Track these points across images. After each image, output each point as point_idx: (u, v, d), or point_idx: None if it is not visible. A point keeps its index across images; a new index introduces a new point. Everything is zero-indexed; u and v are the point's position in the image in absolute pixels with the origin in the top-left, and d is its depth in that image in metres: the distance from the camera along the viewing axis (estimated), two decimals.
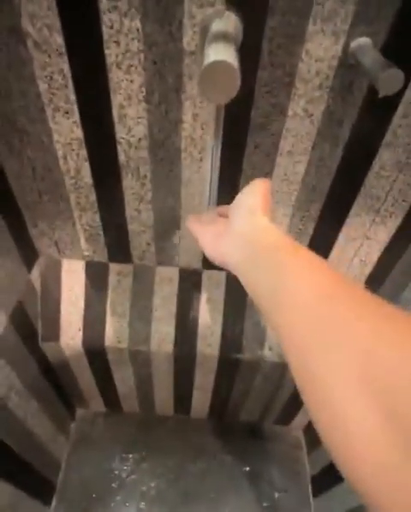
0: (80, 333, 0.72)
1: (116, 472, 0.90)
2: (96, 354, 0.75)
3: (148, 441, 0.95)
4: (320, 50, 0.41)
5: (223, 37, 0.32)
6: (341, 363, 0.20)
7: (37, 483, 0.78)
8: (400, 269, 0.65)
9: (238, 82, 0.29)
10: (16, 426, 0.66)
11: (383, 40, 0.40)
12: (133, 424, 0.97)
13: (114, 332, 0.72)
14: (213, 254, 0.40)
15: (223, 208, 0.45)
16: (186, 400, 0.91)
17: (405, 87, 0.44)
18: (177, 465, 0.92)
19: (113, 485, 0.88)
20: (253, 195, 0.38)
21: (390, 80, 0.33)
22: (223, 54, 0.28)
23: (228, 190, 0.47)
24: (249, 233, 0.35)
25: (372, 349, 0.19)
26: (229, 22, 0.38)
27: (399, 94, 0.45)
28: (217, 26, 0.36)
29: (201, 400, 0.91)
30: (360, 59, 0.39)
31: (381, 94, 0.34)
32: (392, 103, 0.45)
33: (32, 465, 0.74)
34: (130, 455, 0.93)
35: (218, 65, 0.28)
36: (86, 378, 0.84)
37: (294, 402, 0.88)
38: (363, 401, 0.18)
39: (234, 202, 0.40)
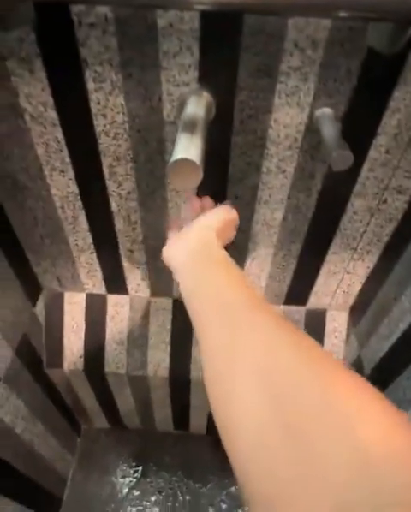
0: (82, 360, 0.77)
1: (119, 486, 0.95)
2: (97, 378, 0.80)
3: (150, 456, 1.00)
4: (287, 118, 0.46)
5: (192, 126, 0.37)
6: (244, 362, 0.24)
7: (43, 499, 0.84)
8: (381, 297, 0.69)
9: (200, 176, 0.33)
10: (23, 449, 0.72)
11: (343, 110, 0.44)
12: (135, 439, 1.02)
13: (113, 359, 0.77)
14: (165, 254, 0.46)
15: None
16: (184, 417, 0.96)
17: (369, 146, 0.48)
18: (178, 479, 0.97)
19: (116, 499, 0.93)
20: (216, 216, 0.45)
21: (340, 159, 0.37)
22: (186, 151, 0.33)
23: None
24: (195, 242, 0.41)
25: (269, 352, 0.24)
26: (201, 101, 0.42)
27: (364, 152, 0.49)
28: (189, 109, 0.40)
29: (198, 417, 0.95)
30: (320, 129, 0.43)
31: (334, 169, 0.38)
32: (358, 160, 0.49)
33: (38, 483, 0.79)
34: (132, 470, 0.98)
35: (183, 162, 0.33)
36: (89, 399, 0.89)
37: None
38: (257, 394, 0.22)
39: (199, 216, 0.46)
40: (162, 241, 0.63)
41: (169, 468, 0.99)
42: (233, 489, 0.96)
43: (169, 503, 0.94)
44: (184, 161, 0.32)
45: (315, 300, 0.73)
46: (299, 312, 0.75)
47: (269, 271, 0.68)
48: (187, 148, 0.33)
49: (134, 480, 0.97)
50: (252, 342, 0.25)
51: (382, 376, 0.62)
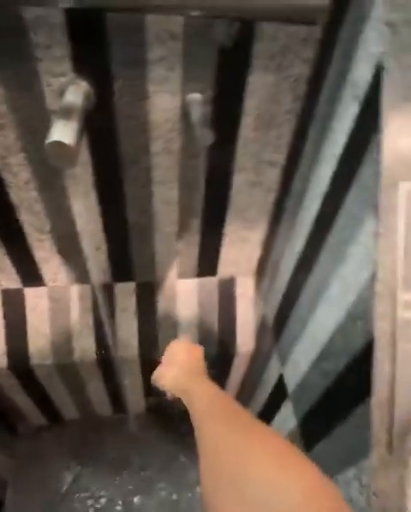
0: (5, 357, 0.77)
1: (62, 481, 0.96)
2: (24, 373, 0.80)
3: (92, 445, 1.02)
4: (163, 103, 0.51)
5: (68, 112, 0.40)
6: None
7: None
8: (275, 260, 0.79)
9: (75, 156, 0.37)
10: None
11: (210, 95, 0.51)
12: (75, 431, 1.04)
13: (37, 351, 0.78)
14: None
15: None
16: (120, 399, 1.00)
17: (238, 125, 0.55)
18: (121, 465, 1.00)
19: (60, 493, 0.95)
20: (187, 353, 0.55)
21: (203, 137, 0.43)
22: (60, 134, 0.37)
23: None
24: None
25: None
26: (79, 89, 0.46)
27: (235, 131, 0.56)
28: (67, 97, 0.44)
29: (135, 397, 1.00)
30: (190, 112, 0.49)
31: (201, 146, 0.45)
32: (232, 138, 0.57)
33: None
34: (74, 463, 0.99)
35: (57, 144, 0.36)
36: (20, 397, 0.89)
37: None
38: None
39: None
40: (72, 227, 0.66)
41: (111, 455, 1.02)
42: (176, 469, 1.01)
43: (115, 490, 0.97)
44: (57, 143, 0.36)
45: (223, 269, 0.81)
46: (211, 282, 0.83)
47: (176, 247, 0.74)
48: (62, 131, 0.37)
49: (77, 473, 0.98)
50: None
51: (279, 324, 0.71)
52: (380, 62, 0.35)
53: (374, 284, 0.37)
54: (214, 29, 0.43)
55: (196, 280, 0.82)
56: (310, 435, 0.56)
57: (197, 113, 0.47)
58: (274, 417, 0.73)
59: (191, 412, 0.41)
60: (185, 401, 0.44)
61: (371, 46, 0.37)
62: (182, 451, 1.03)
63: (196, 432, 0.36)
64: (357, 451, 0.41)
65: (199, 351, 0.57)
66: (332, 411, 0.48)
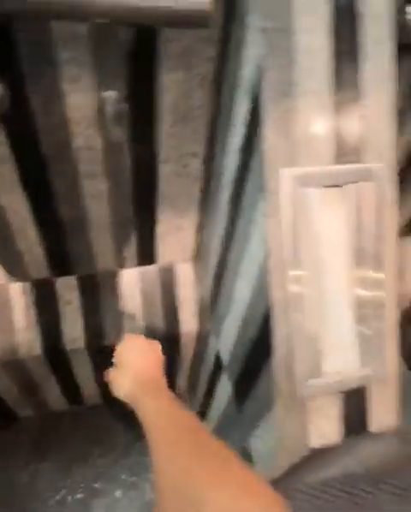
0: None
1: (23, 480, 0.97)
2: None
3: (49, 441, 1.03)
4: (80, 101, 0.53)
5: None
6: None
7: None
8: (207, 245, 0.84)
9: None
10: None
11: (125, 92, 0.54)
12: (32, 428, 1.04)
13: None
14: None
15: None
16: (75, 391, 1.02)
17: (157, 120, 0.59)
18: (80, 459, 1.02)
19: (23, 494, 0.96)
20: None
21: (118, 133, 0.47)
22: None
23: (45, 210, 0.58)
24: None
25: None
26: None
27: (155, 125, 0.59)
28: None
29: (89, 388, 1.02)
30: (107, 109, 0.52)
31: (117, 142, 0.48)
32: (153, 133, 0.60)
33: None
34: (34, 459, 1.00)
35: None
36: None
37: None
38: None
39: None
40: (6, 225, 0.67)
41: (70, 449, 1.03)
42: (135, 454, 1.04)
43: (75, 480, 0.99)
44: None
45: (162, 257, 0.85)
46: (152, 270, 0.86)
47: (114, 239, 0.77)
48: None
49: (35, 468, 1.00)
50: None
51: (213, 304, 0.77)
52: (260, 63, 0.40)
53: (268, 261, 0.42)
54: (117, 33, 0.46)
55: (137, 269, 0.86)
56: (240, 396, 0.63)
57: (111, 110, 0.50)
58: (216, 389, 0.79)
59: (145, 426, 0.40)
60: (139, 414, 0.43)
61: (252, 48, 0.42)
62: (140, 437, 1.07)
63: (151, 449, 0.36)
64: (271, 401, 0.47)
65: (155, 350, 0.53)
66: (252, 371, 0.54)
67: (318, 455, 0.45)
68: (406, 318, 0.53)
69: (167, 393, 0.45)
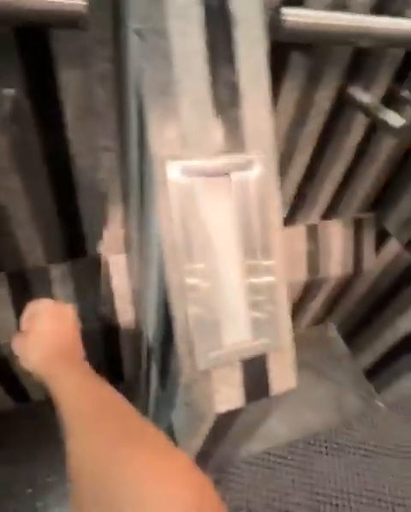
0: None
1: None
2: None
3: None
4: None
5: None
6: None
7: None
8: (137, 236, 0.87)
9: None
10: None
11: (25, 89, 0.55)
12: None
13: None
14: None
15: None
16: (19, 389, 1.02)
17: (61, 115, 0.60)
18: (32, 451, 1.03)
19: None
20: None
21: (16, 131, 0.48)
22: None
23: None
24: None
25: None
26: None
27: (60, 120, 0.61)
28: None
29: (32, 386, 1.03)
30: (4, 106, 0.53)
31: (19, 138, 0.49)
32: (61, 128, 0.61)
33: None
34: None
35: None
36: None
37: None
38: None
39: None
40: None
41: (21, 448, 1.04)
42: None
43: (26, 476, 1.00)
44: None
45: (93, 250, 0.86)
46: (84, 262, 0.88)
47: (40, 234, 0.77)
48: None
49: None
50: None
51: (139, 294, 0.80)
52: (139, 63, 0.43)
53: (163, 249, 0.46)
54: (9, 32, 0.47)
55: (68, 263, 0.87)
56: (162, 377, 0.67)
57: (11, 107, 0.51)
58: (151, 373, 0.83)
59: (57, 403, 0.35)
60: (51, 390, 0.38)
61: (132, 49, 0.44)
62: None
63: (65, 429, 0.33)
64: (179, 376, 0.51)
65: (69, 315, 0.46)
66: (166, 352, 0.58)
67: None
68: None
69: (82, 365, 0.40)
